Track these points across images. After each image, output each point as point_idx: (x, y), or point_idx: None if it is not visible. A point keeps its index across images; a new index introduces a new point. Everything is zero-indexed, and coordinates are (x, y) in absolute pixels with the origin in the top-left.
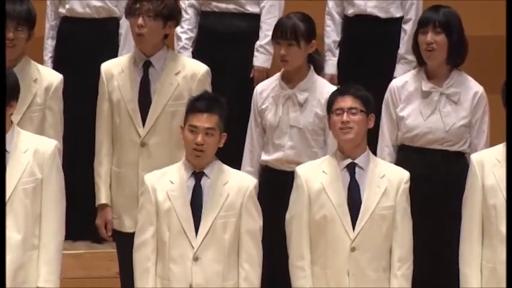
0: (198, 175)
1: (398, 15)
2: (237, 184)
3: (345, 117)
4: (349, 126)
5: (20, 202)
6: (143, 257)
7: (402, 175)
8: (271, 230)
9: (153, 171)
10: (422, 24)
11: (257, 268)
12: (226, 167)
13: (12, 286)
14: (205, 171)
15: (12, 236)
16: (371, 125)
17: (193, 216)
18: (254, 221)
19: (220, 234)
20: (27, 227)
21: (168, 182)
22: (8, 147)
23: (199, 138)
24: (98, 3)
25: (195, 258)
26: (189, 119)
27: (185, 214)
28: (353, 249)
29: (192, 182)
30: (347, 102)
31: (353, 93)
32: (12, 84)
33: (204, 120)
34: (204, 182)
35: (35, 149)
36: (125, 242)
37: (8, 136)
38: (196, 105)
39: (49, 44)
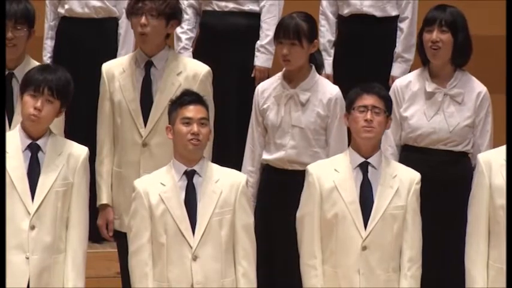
0: (189, 174)
1: (394, 13)
2: (228, 181)
3: (369, 115)
4: (372, 125)
5: (52, 204)
6: (140, 262)
7: (414, 176)
8: (272, 229)
9: (142, 176)
10: (428, 23)
11: (253, 263)
12: (214, 165)
13: (36, 287)
14: (197, 169)
15: (43, 238)
16: (389, 126)
17: (188, 216)
18: (248, 216)
19: (216, 231)
20: (55, 230)
21: (159, 184)
22: (43, 148)
23: (195, 128)
24: (97, 4)
25: (194, 258)
26: (180, 113)
27: (180, 214)
28: (364, 248)
29: (184, 182)
30: (371, 100)
31: (378, 93)
32: (71, 93)
33: (196, 111)
34: (196, 180)
35: (69, 153)
36: (126, 242)
37: (44, 137)
38: (184, 98)
39: (48, 44)
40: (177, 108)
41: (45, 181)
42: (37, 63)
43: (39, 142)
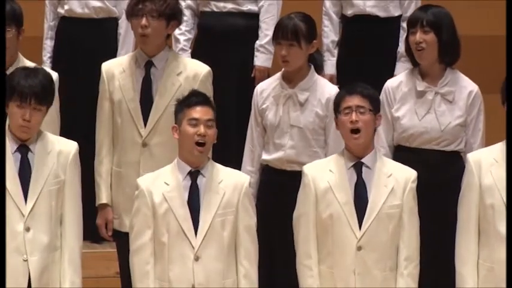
0: (193, 174)
1: (397, 14)
2: (232, 182)
3: (353, 116)
4: (358, 126)
5: (46, 204)
6: (142, 261)
7: (409, 174)
8: (272, 229)
9: (146, 174)
10: (411, 25)
11: (255, 264)
12: (218, 165)
13: (38, 287)
14: (201, 169)
15: (40, 238)
16: (379, 124)
17: (191, 216)
18: (250, 218)
19: (219, 232)
20: (51, 228)
21: (163, 183)
22: (32, 149)
23: (201, 129)
24: (97, 4)
25: (196, 258)
26: (187, 114)
27: (183, 214)
28: (359, 248)
29: (187, 182)
30: (354, 101)
31: (361, 92)
32: (54, 91)
33: (203, 112)
34: (200, 181)
35: (59, 150)
36: (125, 242)
37: (33, 138)
38: (192, 99)
39: (48, 45)
40: (184, 108)
41: (37, 181)
42: (29, 62)
43: (28, 143)
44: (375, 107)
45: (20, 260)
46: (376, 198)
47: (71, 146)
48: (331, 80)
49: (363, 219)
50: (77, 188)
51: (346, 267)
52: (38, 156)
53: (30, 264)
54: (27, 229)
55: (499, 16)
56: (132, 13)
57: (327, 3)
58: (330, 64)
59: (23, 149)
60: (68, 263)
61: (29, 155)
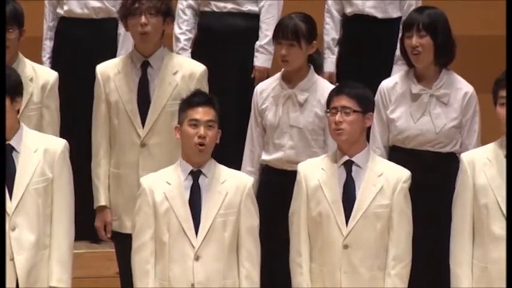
0: (195, 174)
1: (395, 15)
2: (234, 183)
3: (337, 117)
4: (341, 127)
5: (32, 202)
6: (142, 260)
7: (401, 174)
8: (272, 229)
9: (149, 174)
10: (407, 28)
11: (257, 266)
12: (221, 166)
13: (26, 286)
14: (203, 169)
15: (26, 236)
16: (369, 123)
17: (192, 216)
18: (253, 219)
19: (220, 232)
20: (39, 226)
21: (164, 183)
22: (17, 147)
23: (201, 131)
24: (97, 4)
25: (196, 257)
26: (188, 114)
27: (184, 214)
28: (345, 247)
29: (189, 182)
30: (341, 101)
31: (348, 93)
32: (17, 82)
33: (204, 113)
34: (202, 180)
35: (45, 148)
36: (125, 243)
37: (17, 136)
38: (194, 100)
39: (47, 45)
40: (186, 108)
41: (21, 180)
42: (30, 62)
43: (11, 142)
44: (364, 107)
45: (7, 259)
46: (363, 197)
47: (58, 144)
48: (330, 77)
49: (350, 217)
50: (66, 185)
51: (334, 266)
52: (22, 154)
53: (17, 264)
54: (13, 228)
55: (499, 16)
56: (128, 13)
57: (329, 2)
58: (330, 62)
59: (8, 148)
60: (56, 261)
61: (14, 153)
